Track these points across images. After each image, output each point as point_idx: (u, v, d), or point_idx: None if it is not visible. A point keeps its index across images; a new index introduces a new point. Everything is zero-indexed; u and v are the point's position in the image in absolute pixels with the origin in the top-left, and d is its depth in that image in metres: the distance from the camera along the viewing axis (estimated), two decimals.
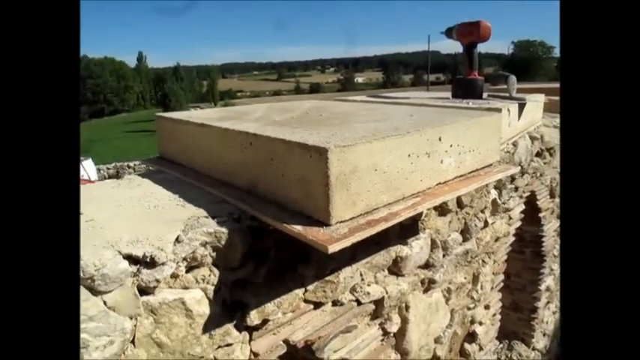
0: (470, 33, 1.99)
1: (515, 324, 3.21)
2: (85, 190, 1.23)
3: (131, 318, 0.81)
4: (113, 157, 15.02)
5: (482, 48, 2.06)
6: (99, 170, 10.94)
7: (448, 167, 1.12)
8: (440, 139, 1.08)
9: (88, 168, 8.15)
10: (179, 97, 46.61)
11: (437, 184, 1.10)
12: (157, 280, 0.83)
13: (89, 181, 7.05)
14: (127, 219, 0.95)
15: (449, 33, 2.11)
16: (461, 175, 1.18)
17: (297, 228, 0.83)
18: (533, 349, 3.18)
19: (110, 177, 11.94)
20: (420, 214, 1.42)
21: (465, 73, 2.07)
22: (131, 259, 0.81)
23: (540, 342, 3.22)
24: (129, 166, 13.05)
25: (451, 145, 1.12)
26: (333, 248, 0.76)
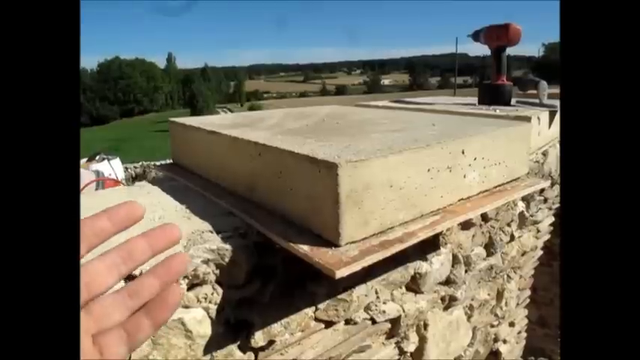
0: (498, 36, 1.89)
1: (542, 340, 3.07)
2: (95, 199, 1.20)
3: None
4: (141, 157, 15.30)
5: (511, 50, 1.96)
6: (126, 169, 11.12)
7: (472, 182, 1.05)
8: (463, 152, 1.00)
9: (115, 167, 8.27)
10: (207, 97, 47.25)
11: (459, 200, 1.02)
12: None
13: (116, 180, 7.15)
14: (129, 232, 0.91)
15: (476, 36, 2.02)
16: (485, 190, 1.10)
17: (304, 248, 0.77)
18: None
19: (137, 176, 12.15)
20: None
21: (492, 79, 1.97)
22: (128, 276, 0.76)
23: None
24: (155, 165, 13.25)
25: (475, 159, 1.04)
26: (341, 273, 0.70)
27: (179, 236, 0.41)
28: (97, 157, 8.41)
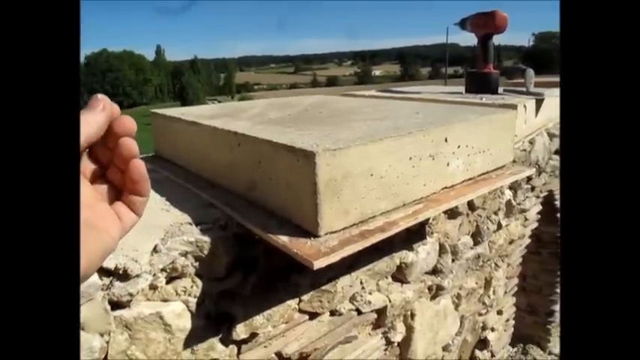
0: (485, 24, 1.88)
1: (531, 327, 3.09)
2: None
3: (102, 335, 0.75)
4: None
5: (501, 40, 1.96)
6: None
7: (455, 170, 1.04)
8: (446, 140, 0.99)
9: None
10: (197, 90, 46.80)
11: (442, 189, 1.01)
12: (130, 294, 0.76)
13: None
14: None
15: (463, 24, 2.00)
16: (469, 179, 1.09)
17: (283, 239, 0.76)
18: (549, 353, 3.06)
19: None
20: (427, 218, 1.34)
21: (479, 67, 1.96)
22: (102, 271, 0.74)
23: (557, 346, 3.10)
24: (146, 159, 13.15)
25: (459, 146, 1.03)
26: (319, 264, 0.68)
27: (115, 109, 0.43)
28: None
